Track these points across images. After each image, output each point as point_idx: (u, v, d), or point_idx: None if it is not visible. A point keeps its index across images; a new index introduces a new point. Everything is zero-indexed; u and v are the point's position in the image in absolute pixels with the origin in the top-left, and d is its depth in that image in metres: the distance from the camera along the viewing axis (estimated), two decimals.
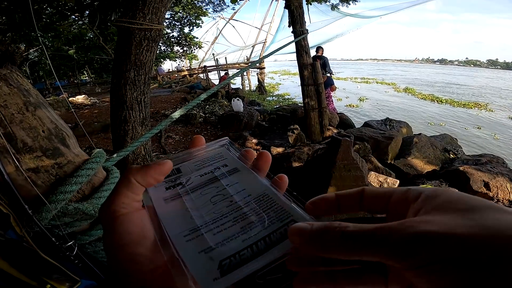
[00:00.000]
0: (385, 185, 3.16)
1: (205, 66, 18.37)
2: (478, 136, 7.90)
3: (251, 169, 0.36)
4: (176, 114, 1.46)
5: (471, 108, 11.92)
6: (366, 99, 13.54)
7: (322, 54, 6.91)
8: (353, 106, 11.85)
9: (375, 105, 12.25)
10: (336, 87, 7.12)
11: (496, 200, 3.17)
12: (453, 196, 0.22)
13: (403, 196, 0.25)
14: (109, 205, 0.29)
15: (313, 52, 6.41)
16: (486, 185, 3.27)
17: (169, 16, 16.09)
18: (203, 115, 7.22)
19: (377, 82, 21.81)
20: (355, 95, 14.80)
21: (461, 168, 3.52)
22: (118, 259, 0.27)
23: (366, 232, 0.21)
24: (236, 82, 19.12)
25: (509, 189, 3.21)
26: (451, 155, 4.53)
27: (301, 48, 4.97)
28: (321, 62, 6.30)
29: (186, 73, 19.83)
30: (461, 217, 0.19)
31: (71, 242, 0.67)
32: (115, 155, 1.05)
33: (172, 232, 0.28)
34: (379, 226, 0.21)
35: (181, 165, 0.38)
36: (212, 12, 18.68)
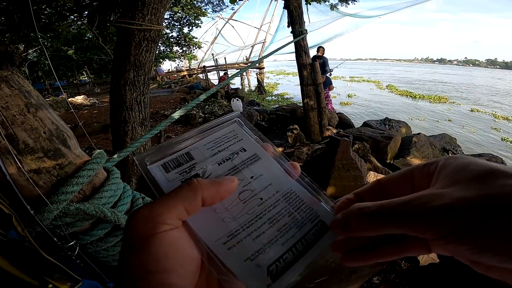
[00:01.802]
0: None
1: (204, 66, 18.36)
2: (451, 126, 9.06)
3: (272, 156, 0.35)
4: (176, 115, 1.47)
5: (444, 102, 13.45)
6: (354, 95, 14.65)
7: (323, 54, 6.91)
8: (344, 103, 12.43)
9: (362, 102, 13.13)
10: (333, 87, 7.13)
11: None
12: (464, 163, 0.23)
13: (424, 172, 0.26)
14: (149, 217, 0.23)
15: (313, 52, 6.41)
16: None
17: (168, 16, 16.09)
18: (203, 115, 7.22)
19: (363, 80, 23.33)
20: (344, 92, 15.62)
21: None
22: (145, 286, 0.21)
23: (391, 206, 0.23)
24: (236, 82, 19.13)
25: None
26: (450, 154, 4.54)
27: (300, 48, 4.98)
28: (321, 62, 6.30)
29: (185, 73, 19.84)
30: (467, 188, 0.21)
31: (73, 242, 0.67)
32: (115, 155, 1.05)
33: (210, 242, 0.26)
34: (395, 202, 0.23)
35: (191, 148, 0.34)
36: (211, 12, 18.74)
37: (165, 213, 0.24)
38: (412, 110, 11.44)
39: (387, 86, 19.23)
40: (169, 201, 0.24)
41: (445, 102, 13.38)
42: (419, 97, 14.74)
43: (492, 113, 11.00)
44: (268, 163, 0.34)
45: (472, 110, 11.57)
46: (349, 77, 25.45)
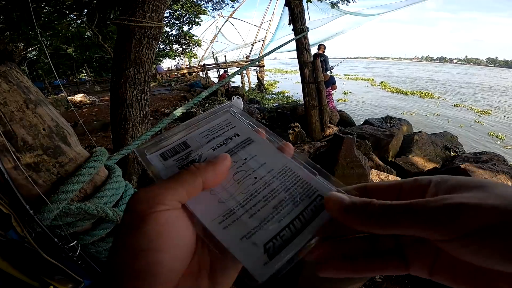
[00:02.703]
0: None
1: (204, 65, 18.34)
2: (438, 120, 9.78)
3: (266, 138, 0.35)
4: (178, 112, 1.45)
5: (432, 98, 14.37)
6: (350, 92, 15.33)
7: (324, 52, 6.88)
8: (342, 100, 12.89)
9: (357, 99, 13.72)
10: (337, 86, 7.11)
11: None
12: (462, 179, 0.23)
13: (414, 184, 0.26)
14: (148, 197, 0.24)
15: (314, 50, 6.38)
16: None
17: (168, 14, 16.03)
18: (203, 113, 7.20)
19: (357, 78, 24.23)
20: (340, 89, 16.26)
21: (462, 166, 3.51)
22: (135, 265, 0.22)
23: (403, 205, 0.22)
24: (236, 80, 19.12)
25: None
26: (452, 153, 4.52)
27: (302, 46, 4.95)
28: (321, 60, 6.27)
29: (185, 71, 19.81)
30: (483, 192, 0.21)
31: (74, 243, 0.66)
32: (116, 153, 1.03)
33: (206, 220, 0.26)
34: (414, 201, 0.22)
35: (187, 138, 0.35)
36: (211, 10, 18.62)
37: (163, 193, 0.24)
38: (402, 105, 12.20)
39: (380, 83, 20.22)
40: (169, 184, 0.25)
41: (432, 98, 14.34)
42: (409, 93, 15.60)
43: (470, 107, 12.10)
44: (262, 144, 0.34)
45: (455, 105, 12.50)
46: (344, 74, 26.26)
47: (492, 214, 0.19)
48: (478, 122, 9.70)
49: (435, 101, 13.47)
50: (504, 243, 0.18)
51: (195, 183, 0.26)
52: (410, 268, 0.26)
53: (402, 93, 15.83)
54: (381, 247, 0.28)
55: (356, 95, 14.57)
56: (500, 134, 8.23)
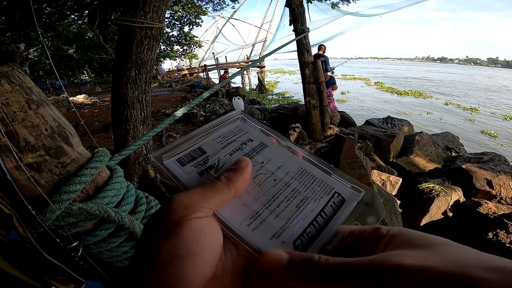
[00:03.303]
0: (388, 183, 3.15)
1: (205, 65, 18.35)
2: (431, 118, 10.43)
3: (278, 142, 0.37)
4: (179, 113, 1.45)
5: (425, 98, 15.10)
6: (348, 92, 15.91)
7: (324, 52, 6.88)
8: (340, 101, 13.27)
9: (354, 98, 14.37)
10: (337, 87, 7.11)
11: (499, 198, 3.16)
12: (413, 234, 0.24)
13: (373, 233, 0.26)
14: (188, 203, 0.25)
15: (314, 50, 6.38)
16: (489, 183, 3.26)
17: (169, 15, 16.04)
18: (204, 114, 7.20)
19: (354, 78, 25.42)
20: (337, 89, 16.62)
21: (463, 166, 3.50)
22: (170, 270, 0.22)
23: (348, 265, 0.22)
24: (236, 81, 19.14)
25: (511, 187, 3.20)
26: (453, 153, 4.51)
27: (302, 46, 4.95)
28: (322, 60, 6.27)
29: (186, 72, 19.83)
30: (426, 252, 0.21)
31: (76, 243, 0.65)
32: (118, 154, 1.03)
33: (235, 224, 0.28)
34: (358, 260, 0.22)
35: (201, 144, 0.36)
36: (211, 11, 18.60)
37: (202, 201, 0.26)
38: (397, 104, 12.91)
39: (375, 83, 21.19)
40: (206, 192, 0.27)
41: (425, 98, 15.12)
42: (403, 93, 16.41)
43: (459, 105, 13.01)
44: (276, 149, 0.36)
45: (446, 104, 13.30)
46: (341, 75, 26.81)
47: (421, 277, 0.19)
48: (469, 120, 10.25)
49: (428, 100, 14.24)
50: None
51: (229, 193, 0.28)
52: None
53: (397, 92, 16.62)
54: None
55: (353, 95, 15.11)
56: (493, 132, 8.62)
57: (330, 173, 0.33)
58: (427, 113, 11.07)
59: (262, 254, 0.25)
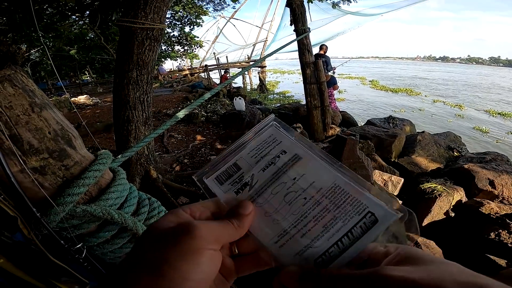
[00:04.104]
0: (390, 184, 3.15)
1: (206, 65, 18.36)
2: (420, 114, 10.91)
3: (312, 152, 0.36)
4: (181, 114, 1.45)
5: (417, 95, 15.71)
6: (345, 90, 16.46)
7: (326, 52, 6.86)
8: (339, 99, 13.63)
9: (351, 97, 14.91)
10: (338, 87, 7.10)
11: (501, 198, 3.15)
12: (417, 254, 0.28)
13: (382, 251, 0.30)
14: (208, 239, 0.28)
15: (316, 50, 6.37)
16: (491, 183, 3.24)
17: (170, 15, 16.04)
18: (205, 114, 7.21)
19: (350, 77, 26.20)
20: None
21: (465, 166, 3.49)
22: None
23: (348, 275, 0.27)
24: (238, 81, 19.15)
25: None
26: (455, 153, 4.50)
27: (303, 46, 4.95)
28: (323, 60, 6.26)
29: (187, 72, 19.83)
30: (417, 268, 0.25)
31: (80, 245, 0.66)
32: (120, 155, 1.04)
33: (264, 240, 0.31)
34: (358, 272, 0.26)
35: (237, 159, 0.38)
36: (212, 11, 18.59)
37: (218, 237, 0.30)
38: (392, 101, 13.59)
39: (370, 82, 21.92)
40: (222, 230, 0.30)
41: (417, 95, 15.71)
42: (398, 91, 17.10)
43: (444, 102, 13.65)
44: (310, 161, 0.35)
45: (434, 101, 13.80)
46: (338, 74, 26.53)
47: (411, 285, 0.23)
48: (459, 115, 10.72)
49: (420, 98, 14.86)
50: None
51: (237, 234, 0.31)
52: None
53: (391, 90, 17.22)
54: None
55: (349, 93, 15.64)
56: (484, 127, 8.92)
57: (366, 190, 0.32)
58: (420, 110, 11.58)
59: (280, 276, 0.30)
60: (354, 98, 14.37)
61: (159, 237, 0.28)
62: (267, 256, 0.31)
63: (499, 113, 11.28)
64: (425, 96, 15.44)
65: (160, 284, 0.25)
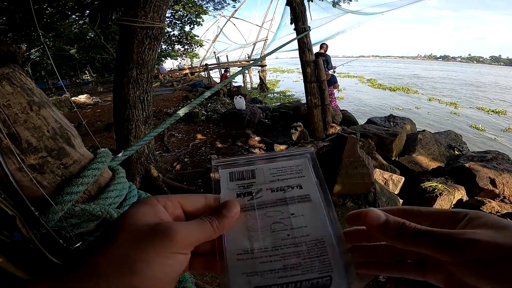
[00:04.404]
0: (390, 182, 3.14)
1: (206, 64, 18.34)
2: (417, 112, 11.11)
3: (324, 203, 0.36)
4: (181, 112, 1.45)
5: (414, 93, 16.07)
6: (344, 89, 16.51)
7: (326, 51, 6.85)
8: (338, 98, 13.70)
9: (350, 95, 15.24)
10: (339, 85, 7.08)
11: (502, 197, 3.14)
12: (491, 218, 0.28)
13: (451, 217, 0.30)
14: (185, 242, 0.29)
15: (316, 49, 6.36)
16: (492, 182, 3.24)
17: (170, 14, 16.04)
18: (205, 113, 7.21)
19: (348, 76, 26.17)
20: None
21: (466, 165, 3.49)
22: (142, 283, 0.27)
23: (431, 232, 0.28)
24: (238, 80, 19.16)
25: None
26: (456, 152, 4.49)
27: (304, 45, 4.94)
28: (324, 59, 6.24)
29: (187, 71, 19.83)
30: (499, 232, 0.26)
31: (79, 244, 0.65)
32: (120, 154, 1.03)
33: (229, 247, 0.32)
34: (441, 230, 0.27)
35: (257, 168, 0.39)
36: (212, 10, 18.58)
37: (196, 240, 0.30)
38: (388, 100, 13.90)
39: (368, 80, 22.31)
40: (200, 231, 0.31)
41: (414, 93, 16.05)
42: (396, 89, 17.42)
43: (438, 99, 13.95)
44: (315, 208, 0.35)
45: (429, 99, 14.17)
46: (336, 73, 26.78)
47: (490, 249, 0.24)
48: (454, 113, 10.90)
49: (416, 96, 15.25)
50: (493, 271, 0.24)
51: (215, 235, 0.32)
52: (426, 277, 0.31)
53: (389, 89, 17.52)
54: (407, 256, 0.33)
55: (346, 92, 15.81)
56: (480, 126, 9.08)
57: (346, 265, 0.31)
58: (416, 108, 11.83)
59: (364, 212, 0.32)
60: (352, 96, 14.63)
61: (136, 235, 0.28)
62: (220, 262, 0.31)
63: (493, 111, 11.51)
64: (421, 94, 15.79)
65: (134, 281, 0.26)
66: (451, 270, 0.27)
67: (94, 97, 11.06)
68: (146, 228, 0.28)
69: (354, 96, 14.88)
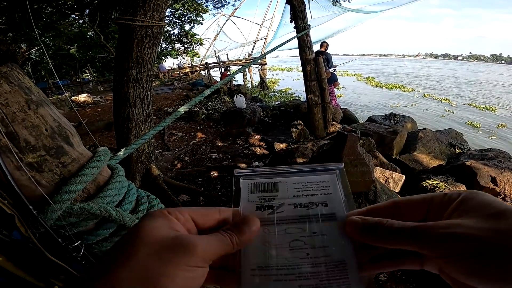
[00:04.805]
0: (391, 180, 3.14)
1: (206, 63, 18.33)
2: (411, 110, 11.03)
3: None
4: (182, 110, 1.45)
5: (410, 91, 16.24)
6: (343, 87, 16.61)
7: (326, 49, 6.83)
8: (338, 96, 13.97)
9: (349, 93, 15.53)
10: (339, 83, 7.06)
11: (503, 195, 3.13)
12: (484, 201, 0.27)
13: (445, 200, 0.29)
14: (206, 256, 0.28)
15: (316, 47, 6.34)
16: (493, 180, 3.23)
17: (170, 13, 16.01)
18: (206, 111, 7.21)
19: (346, 75, 25.89)
20: None
21: (467, 163, 3.48)
22: None
23: (408, 228, 0.27)
24: (238, 79, 19.14)
25: None
26: (457, 150, 4.48)
27: (304, 43, 4.93)
28: (324, 57, 6.23)
29: (187, 70, 19.82)
30: (484, 221, 0.24)
31: (78, 243, 0.65)
32: (119, 153, 1.03)
33: (244, 262, 0.31)
34: (417, 225, 0.27)
35: (280, 181, 0.37)
36: (212, 9, 18.51)
37: (215, 254, 0.29)
38: (387, 97, 14.16)
39: (365, 78, 22.50)
40: (219, 247, 0.30)
41: (410, 91, 16.23)
42: (393, 87, 17.62)
43: (432, 96, 14.15)
44: (339, 229, 0.33)
45: (424, 96, 14.37)
46: (336, 71, 27.48)
47: (468, 244, 0.23)
48: (448, 111, 11.00)
49: (413, 93, 15.45)
50: (477, 266, 0.23)
51: (229, 252, 0.31)
52: (424, 266, 0.30)
53: (386, 87, 17.81)
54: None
55: (345, 90, 16.05)
56: (475, 122, 9.14)
57: (362, 284, 0.30)
58: (412, 105, 11.97)
59: (346, 222, 0.32)
60: (349, 94, 14.89)
61: (157, 248, 0.27)
62: (234, 277, 0.30)
63: (486, 108, 11.63)
64: (417, 91, 15.98)
65: None
66: (438, 264, 0.27)
67: (95, 96, 11.07)
68: (165, 241, 0.27)
69: (352, 93, 15.10)
